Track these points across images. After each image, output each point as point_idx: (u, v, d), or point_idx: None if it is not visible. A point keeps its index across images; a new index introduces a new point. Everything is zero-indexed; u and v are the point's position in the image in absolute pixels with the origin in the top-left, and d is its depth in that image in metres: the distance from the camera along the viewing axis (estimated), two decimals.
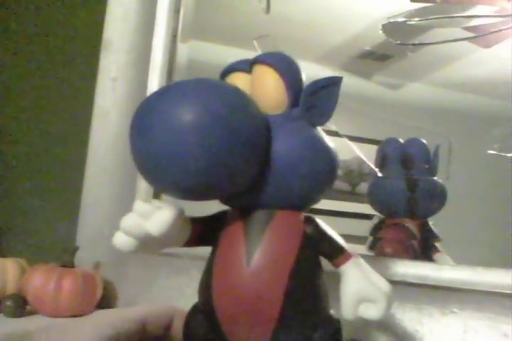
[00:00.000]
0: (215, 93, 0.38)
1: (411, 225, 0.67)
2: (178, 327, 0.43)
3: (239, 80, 0.44)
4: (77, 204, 0.88)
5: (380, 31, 0.67)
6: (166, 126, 0.36)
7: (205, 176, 0.37)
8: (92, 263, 0.84)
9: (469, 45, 0.64)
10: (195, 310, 0.45)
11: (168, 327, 0.42)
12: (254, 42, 0.71)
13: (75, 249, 0.80)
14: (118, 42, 0.88)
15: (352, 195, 0.72)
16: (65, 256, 0.78)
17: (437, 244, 0.66)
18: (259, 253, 0.41)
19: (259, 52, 0.70)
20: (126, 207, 0.80)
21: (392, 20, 0.67)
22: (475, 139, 0.65)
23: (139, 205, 0.41)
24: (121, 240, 0.41)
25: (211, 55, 0.84)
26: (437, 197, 0.66)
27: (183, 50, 0.85)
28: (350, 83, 0.74)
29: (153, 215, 0.40)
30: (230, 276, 0.42)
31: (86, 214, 0.86)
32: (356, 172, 0.71)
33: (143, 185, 0.81)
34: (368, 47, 0.70)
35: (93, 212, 0.86)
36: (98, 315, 0.42)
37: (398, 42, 0.67)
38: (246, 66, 0.45)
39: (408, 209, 0.67)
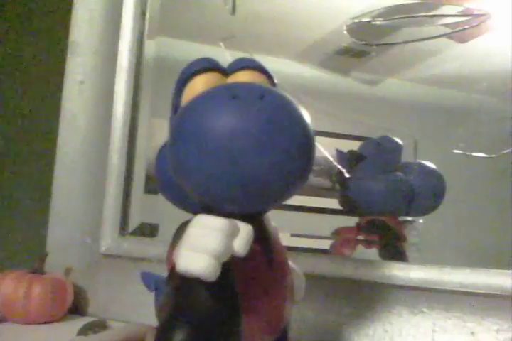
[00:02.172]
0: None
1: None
2: None
3: (210, 81, 0.40)
4: (46, 209, 0.87)
5: (345, 32, 0.67)
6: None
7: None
8: (63, 268, 0.83)
9: (446, 41, 0.65)
10: None
11: None
12: (221, 43, 0.71)
13: (45, 255, 0.79)
14: (84, 44, 0.86)
15: (333, 192, 0.72)
16: (34, 263, 0.77)
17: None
18: (276, 257, 0.40)
19: (225, 52, 0.71)
20: (95, 212, 0.81)
21: (356, 20, 0.67)
22: (441, 138, 0.65)
23: (222, 223, 0.33)
24: (209, 265, 0.32)
25: (179, 52, 0.84)
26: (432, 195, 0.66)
27: (151, 47, 0.84)
28: (329, 80, 0.76)
29: (240, 233, 0.34)
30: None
31: (56, 219, 0.85)
32: (337, 169, 0.71)
33: (112, 190, 0.81)
34: (344, 44, 0.70)
35: (63, 217, 0.85)
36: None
37: (363, 42, 0.67)
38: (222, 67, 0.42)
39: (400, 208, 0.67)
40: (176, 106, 0.41)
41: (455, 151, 0.61)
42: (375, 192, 0.67)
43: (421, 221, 0.66)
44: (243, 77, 0.41)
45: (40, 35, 1.09)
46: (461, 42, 0.65)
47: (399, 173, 0.67)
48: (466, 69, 0.66)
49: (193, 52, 0.80)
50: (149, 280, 0.49)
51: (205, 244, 0.32)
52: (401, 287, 0.60)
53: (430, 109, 0.68)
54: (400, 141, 0.67)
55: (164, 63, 0.84)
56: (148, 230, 0.81)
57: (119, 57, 0.83)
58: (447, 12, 0.65)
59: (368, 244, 0.68)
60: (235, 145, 0.32)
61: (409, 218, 0.67)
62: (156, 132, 0.82)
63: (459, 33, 0.64)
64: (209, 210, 0.36)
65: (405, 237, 0.67)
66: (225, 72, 0.42)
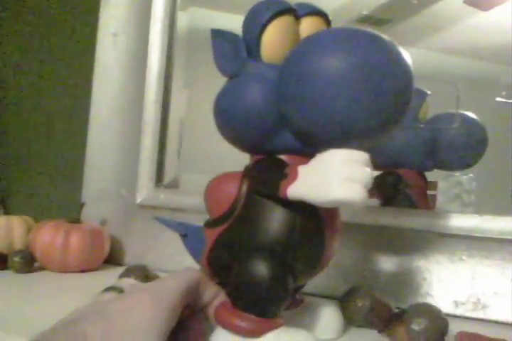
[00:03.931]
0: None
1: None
2: (204, 294, 0.42)
3: (290, 26, 0.43)
4: (81, 161, 0.87)
5: None
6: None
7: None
8: (99, 219, 0.84)
9: (468, 9, 0.63)
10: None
11: (196, 295, 0.42)
12: None
13: (82, 205, 0.80)
14: None
15: None
16: (71, 213, 0.78)
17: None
18: None
19: None
20: (131, 164, 0.82)
21: None
22: (482, 88, 0.65)
23: (366, 156, 0.37)
24: (363, 194, 0.35)
25: (211, 22, 0.83)
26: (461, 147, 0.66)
27: (183, 16, 0.84)
28: None
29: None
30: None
31: (91, 171, 0.86)
32: None
33: (148, 141, 0.81)
34: (365, 12, 0.69)
35: (98, 169, 0.86)
36: (147, 286, 0.40)
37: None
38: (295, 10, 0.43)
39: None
40: (251, 51, 0.42)
41: (498, 99, 0.61)
42: (392, 143, 0.67)
43: (471, 175, 0.66)
44: (313, 21, 0.43)
45: None
46: (485, 10, 0.63)
47: (422, 125, 0.67)
48: (490, 38, 0.64)
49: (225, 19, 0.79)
50: (172, 225, 0.51)
51: (358, 175, 0.35)
52: (440, 235, 0.61)
53: (453, 77, 0.67)
54: (425, 91, 0.66)
55: (196, 27, 0.84)
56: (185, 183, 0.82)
57: (153, 8, 0.82)
58: None
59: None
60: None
61: (456, 173, 0.66)
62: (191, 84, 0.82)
63: (481, 0, 0.62)
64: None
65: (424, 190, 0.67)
66: (297, 14, 0.43)
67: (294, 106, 0.38)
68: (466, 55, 0.67)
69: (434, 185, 0.68)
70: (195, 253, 0.47)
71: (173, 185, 0.83)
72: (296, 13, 0.43)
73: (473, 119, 0.65)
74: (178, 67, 0.83)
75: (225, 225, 0.44)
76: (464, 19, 0.65)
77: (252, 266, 0.40)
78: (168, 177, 0.82)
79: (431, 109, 0.66)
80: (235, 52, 0.43)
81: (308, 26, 0.44)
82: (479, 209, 0.64)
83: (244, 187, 0.44)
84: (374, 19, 0.69)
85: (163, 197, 0.78)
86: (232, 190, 0.44)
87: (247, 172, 0.44)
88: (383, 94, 0.35)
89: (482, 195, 0.66)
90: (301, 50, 0.38)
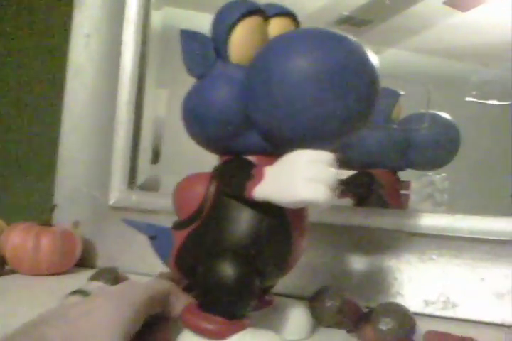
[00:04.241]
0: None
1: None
2: (174, 305, 0.42)
3: (258, 27, 0.43)
4: (53, 162, 0.87)
5: None
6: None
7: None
8: (71, 221, 0.83)
9: (447, 10, 0.64)
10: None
11: (164, 304, 0.42)
12: None
13: (53, 208, 0.80)
14: None
15: None
16: (43, 215, 0.77)
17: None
18: None
19: None
20: (103, 165, 0.81)
21: None
22: (453, 88, 0.65)
23: (330, 156, 0.36)
24: (328, 194, 0.35)
25: (185, 21, 0.84)
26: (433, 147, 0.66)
27: (157, 15, 0.84)
28: None
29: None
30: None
31: (63, 172, 0.85)
32: None
33: (120, 142, 0.80)
34: (345, 13, 0.70)
35: (70, 170, 0.85)
36: (112, 290, 0.40)
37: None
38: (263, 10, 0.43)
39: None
40: (219, 52, 0.42)
41: (468, 99, 0.61)
42: (366, 142, 0.67)
43: (444, 174, 0.66)
44: (281, 22, 0.44)
45: None
46: (463, 11, 0.64)
47: (395, 125, 0.67)
48: (469, 38, 0.65)
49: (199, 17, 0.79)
50: (141, 227, 0.51)
51: (323, 176, 0.35)
52: (411, 234, 0.61)
53: (432, 78, 0.67)
54: (398, 91, 0.66)
55: (170, 27, 0.84)
56: (158, 183, 0.81)
57: (126, 9, 0.81)
58: None
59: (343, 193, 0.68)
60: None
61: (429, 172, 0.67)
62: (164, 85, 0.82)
63: (461, 1, 0.63)
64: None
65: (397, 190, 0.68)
66: (265, 15, 0.43)
67: (260, 106, 0.38)
68: (446, 55, 0.67)
69: (407, 185, 0.69)
70: (163, 255, 0.47)
71: (153, 186, 0.82)
72: (265, 14, 0.43)
73: (445, 119, 0.65)
74: (153, 67, 0.83)
75: (193, 226, 0.44)
76: (443, 20, 0.66)
77: (218, 267, 0.40)
78: (141, 179, 0.82)
79: (408, 109, 0.67)
80: (204, 52, 0.43)
81: (276, 27, 0.44)
82: (452, 208, 0.64)
83: (212, 188, 0.43)
84: (354, 20, 0.70)
85: (136, 198, 0.78)
86: (200, 191, 0.44)
87: (215, 173, 0.44)
88: (348, 94, 0.36)
89: (455, 194, 0.66)
90: (267, 51, 0.38)
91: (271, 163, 0.40)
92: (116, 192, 0.80)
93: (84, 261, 0.81)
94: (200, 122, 0.42)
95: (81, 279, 0.63)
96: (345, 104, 0.36)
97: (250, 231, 0.41)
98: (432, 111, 0.65)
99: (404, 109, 0.67)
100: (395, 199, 0.68)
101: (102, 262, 0.81)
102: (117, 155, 0.80)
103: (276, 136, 0.39)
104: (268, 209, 0.40)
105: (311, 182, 0.35)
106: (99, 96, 0.84)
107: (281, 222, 0.42)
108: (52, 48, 1.02)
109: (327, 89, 0.35)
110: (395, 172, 0.69)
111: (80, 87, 0.85)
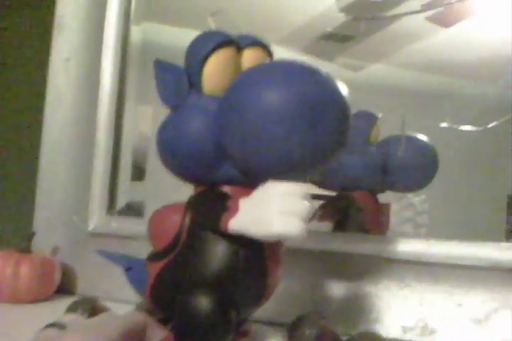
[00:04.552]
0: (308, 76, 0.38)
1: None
2: (150, 338, 0.42)
3: (231, 58, 0.43)
4: (33, 188, 0.86)
5: (333, 6, 0.67)
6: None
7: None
8: (50, 248, 0.83)
9: (430, 26, 0.65)
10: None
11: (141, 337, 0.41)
12: (209, 18, 0.71)
13: (32, 235, 0.79)
14: (70, 22, 0.86)
15: None
16: (21, 242, 0.77)
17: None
18: None
19: (214, 28, 0.70)
20: (82, 191, 0.81)
21: None
22: (428, 113, 0.66)
23: (303, 189, 0.36)
24: (303, 228, 0.35)
25: (165, 36, 0.84)
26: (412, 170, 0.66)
27: (137, 31, 0.84)
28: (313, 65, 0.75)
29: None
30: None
31: (42, 198, 0.85)
32: None
33: (99, 167, 0.80)
34: (329, 29, 0.70)
35: (50, 196, 0.85)
36: (86, 324, 0.40)
37: (351, 16, 0.67)
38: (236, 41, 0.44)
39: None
40: (193, 83, 0.43)
41: (442, 125, 0.62)
42: (345, 165, 0.67)
43: (423, 196, 0.66)
44: (254, 53, 0.44)
45: (26, 12, 1.07)
46: (446, 27, 0.65)
47: (373, 147, 0.67)
48: (452, 54, 0.66)
49: (178, 34, 0.80)
50: (115, 258, 0.50)
51: (297, 209, 0.35)
52: (388, 260, 0.61)
53: (415, 93, 0.68)
54: (376, 114, 0.67)
55: (150, 46, 0.84)
56: (135, 208, 0.81)
57: (105, 34, 0.82)
58: None
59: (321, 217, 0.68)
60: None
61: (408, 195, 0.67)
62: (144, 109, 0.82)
63: (443, 18, 0.64)
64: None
65: (377, 212, 0.68)
66: (238, 46, 0.43)
67: (233, 138, 0.38)
68: (429, 71, 0.68)
69: (387, 207, 0.69)
70: (138, 287, 0.47)
71: (136, 212, 0.82)
72: (238, 45, 0.44)
73: (422, 142, 0.65)
74: (134, 84, 0.83)
75: (168, 259, 0.43)
76: (427, 35, 0.67)
77: (193, 300, 0.40)
78: (120, 203, 0.81)
79: (390, 128, 0.67)
80: (177, 84, 0.43)
81: (249, 58, 0.44)
82: (433, 230, 0.65)
83: (188, 220, 0.43)
84: (338, 36, 0.70)
85: (115, 224, 0.78)
86: (175, 222, 0.44)
87: (190, 204, 0.44)
88: (320, 125, 0.36)
89: (436, 216, 0.67)
90: (240, 83, 0.39)
91: (246, 194, 0.40)
92: (96, 217, 0.79)
93: (64, 288, 0.80)
94: (175, 154, 0.42)
95: (60, 307, 0.62)
96: (317, 136, 0.36)
97: (226, 263, 0.41)
98: (409, 134, 0.65)
99: (383, 130, 0.68)
100: (374, 223, 0.68)
101: (82, 289, 0.80)
102: (96, 181, 0.80)
103: (249, 168, 0.40)
104: (244, 241, 0.40)
105: (285, 215, 0.35)
106: (78, 121, 0.84)
107: (257, 254, 0.42)
108: (31, 72, 1.02)
109: (299, 122, 0.35)
110: (374, 195, 0.69)
111: (59, 111, 0.85)
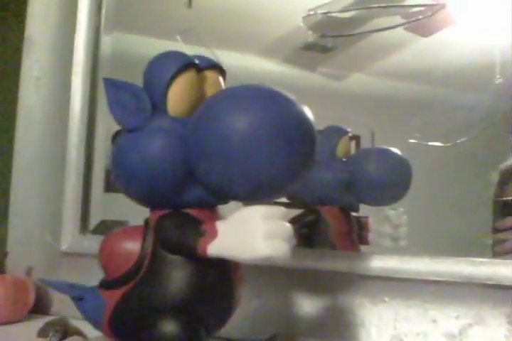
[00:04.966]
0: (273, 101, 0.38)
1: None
2: None
3: (194, 80, 0.43)
4: (5, 208, 0.86)
5: (301, 24, 0.67)
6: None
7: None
8: (24, 268, 0.82)
9: (410, 35, 0.65)
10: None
11: None
12: (178, 36, 0.71)
13: (5, 255, 0.79)
14: (40, 40, 0.86)
15: None
16: None
17: None
18: None
19: (183, 46, 0.70)
20: (55, 210, 0.80)
21: (312, 12, 0.67)
22: (397, 129, 0.66)
23: (284, 211, 0.37)
24: (288, 249, 0.36)
25: (135, 47, 0.83)
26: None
27: (107, 43, 0.83)
28: (295, 75, 0.75)
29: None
30: None
31: (15, 218, 0.85)
32: None
33: (71, 187, 0.80)
34: (310, 39, 0.70)
35: (22, 216, 0.84)
36: None
37: (320, 34, 0.67)
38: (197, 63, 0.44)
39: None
40: (155, 104, 0.42)
41: (411, 141, 0.62)
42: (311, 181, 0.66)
43: (401, 209, 0.66)
44: (212, 74, 0.45)
45: None
46: (424, 36, 0.65)
47: (340, 162, 0.67)
48: (429, 62, 0.66)
49: (150, 47, 0.79)
50: (62, 288, 0.49)
51: (280, 231, 0.36)
52: (362, 277, 0.60)
53: (389, 101, 0.68)
54: (344, 128, 0.66)
55: (121, 58, 0.83)
56: (111, 227, 0.80)
57: (75, 52, 0.81)
58: (402, 3, 0.65)
59: None
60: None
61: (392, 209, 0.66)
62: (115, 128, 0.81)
63: (422, 27, 0.64)
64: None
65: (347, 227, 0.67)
66: (199, 68, 0.43)
67: (209, 163, 0.38)
68: (411, 79, 0.68)
69: (365, 221, 0.68)
70: (93, 319, 0.46)
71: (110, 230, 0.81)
72: (198, 67, 0.43)
73: (393, 155, 0.65)
74: (102, 108, 0.82)
75: (129, 285, 0.43)
76: (406, 45, 0.67)
77: (164, 328, 0.39)
78: (93, 222, 0.80)
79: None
80: (137, 104, 0.42)
81: (208, 79, 0.44)
82: (413, 244, 0.64)
83: (149, 244, 0.43)
84: (319, 46, 0.70)
85: (88, 243, 0.77)
86: (134, 248, 0.43)
87: (155, 229, 0.42)
88: (298, 147, 0.37)
89: (416, 229, 0.66)
90: (217, 108, 0.39)
91: (211, 216, 0.41)
92: (69, 237, 0.78)
93: (39, 308, 0.79)
94: (138, 177, 0.41)
95: (34, 328, 0.62)
96: (295, 157, 0.38)
97: (195, 286, 0.41)
98: (381, 147, 0.65)
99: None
100: (342, 239, 0.67)
101: (56, 308, 0.80)
102: (68, 200, 0.80)
103: (223, 191, 0.40)
104: (211, 263, 0.40)
105: (270, 238, 0.35)
106: (50, 140, 0.84)
107: (225, 273, 0.42)
108: (2, 91, 1.01)
109: (279, 147, 0.37)
110: (345, 210, 0.68)
111: (30, 130, 0.85)
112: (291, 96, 0.39)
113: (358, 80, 0.71)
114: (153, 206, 0.44)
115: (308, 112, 0.39)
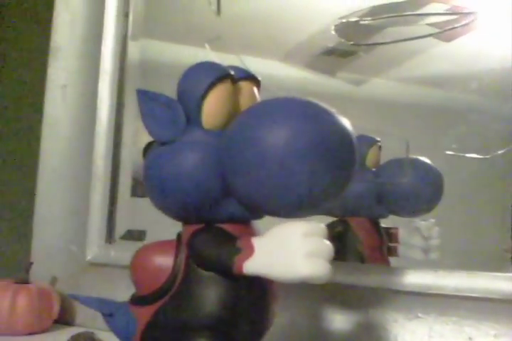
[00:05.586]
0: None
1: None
2: None
3: (230, 91, 0.42)
4: (30, 217, 0.85)
5: (332, 32, 0.66)
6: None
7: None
8: (49, 278, 0.81)
9: (431, 39, 0.64)
10: None
11: None
12: (206, 45, 0.70)
13: (29, 265, 0.78)
14: (66, 48, 0.85)
15: None
16: (19, 272, 0.76)
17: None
18: None
19: (211, 54, 0.69)
20: (80, 219, 0.79)
21: (344, 20, 0.66)
22: (433, 140, 0.64)
23: (323, 228, 0.36)
24: (327, 269, 0.34)
25: (163, 54, 0.83)
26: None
27: (135, 50, 0.83)
28: (315, 81, 0.74)
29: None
30: None
31: (40, 227, 0.84)
32: None
33: (97, 196, 0.79)
34: (331, 44, 0.69)
35: (47, 225, 0.83)
36: None
37: (351, 42, 0.66)
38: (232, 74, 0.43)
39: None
40: (189, 117, 0.41)
41: (448, 153, 0.60)
42: None
43: (432, 220, 0.64)
44: (248, 86, 0.43)
45: (22, 39, 1.07)
46: (447, 41, 0.64)
47: (370, 172, 0.65)
48: (453, 68, 0.64)
49: (178, 54, 0.79)
50: (92, 303, 0.48)
51: (321, 249, 0.34)
52: (395, 292, 0.59)
53: (418, 109, 0.67)
54: (374, 138, 0.65)
55: (148, 66, 0.83)
56: (135, 237, 0.79)
57: (102, 60, 0.81)
58: (434, 10, 0.64)
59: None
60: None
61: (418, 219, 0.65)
62: (143, 136, 0.81)
63: (445, 32, 0.63)
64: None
65: (378, 239, 0.66)
66: (234, 79, 0.42)
67: (247, 179, 0.37)
68: (430, 85, 0.67)
69: (395, 232, 0.67)
70: (123, 335, 0.44)
71: (136, 238, 0.80)
72: (234, 77, 0.42)
73: (424, 166, 0.63)
74: (129, 117, 0.82)
75: (161, 302, 0.41)
76: (428, 50, 0.66)
77: None
78: (119, 232, 0.80)
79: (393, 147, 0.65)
80: (172, 117, 0.41)
81: (244, 91, 0.43)
82: (444, 256, 0.63)
83: (182, 259, 0.41)
84: (339, 52, 0.70)
85: (115, 254, 0.76)
86: (167, 263, 0.42)
87: (188, 244, 0.41)
88: (338, 160, 0.37)
89: (447, 242, 0.65)
90: (255, 121, 0.37)
91: (245, 231, 0.40)
92: (95, 247, 0.78)
93: (63, 319, 0.79)
94: (171, 191, 0.40)
95: (59, 338, 0.61)
96: (337, 172, 0.37)
97: (229, 304, 0.40)
98: (412, 158, 0.63)
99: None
100: (372, 251, 0.66)
101: (80, 320, 0.79)
102: (94, 209, 0.79)
103: (261, 207, 0.39)
104: (247, 279, 0.39)
105: (311, 257, 0.34)
106: (76, 148, 0.83)
107: (260, 291, 0.41)
108: (28, 99, 1.01)
109: (322, 160, 0.36)
110: (375, 221, 0.67)
111: (55, 139, 0.84)
112: (330, 108, 0.38)
113: (379, 86, 0.70)
114: (186, 220, 0.43)
115: (348, 124, 0.38)
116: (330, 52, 0.70)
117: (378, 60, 0.69)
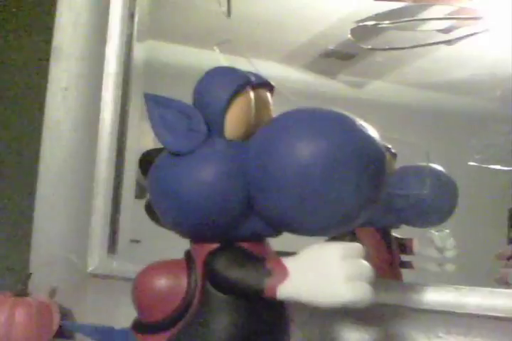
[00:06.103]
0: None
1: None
2: None
3: (250, 99, 0.39)
4: (29, 226, 0.83)
5: (349, 36, 0.64)
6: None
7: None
8: (48, 289, 0.79)
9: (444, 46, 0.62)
10: None
11: None
12: (215, 47, 0.68)
13: (28, 276, 0.76)
14: (69, 49, 0.83)
15: None
16: (17, 284, 0.74)
17: None
18: None
19: (220, 57, 0.67)
20: (81, 228, 0.77)
21: (361, 24, 0.64)
22: (453, 149, 0.62)
23: (361, 248, 0.35)
24: (369, 292, 0.33)
25: (170, 56, 0.81)
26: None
27: (140, 51, 0.80)
28: (315, 83, 0.73)
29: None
30: None
31: (39, 236, 0.82)
32: None
33: (100, 204, 0.76)
34: (331, 47, 0.69)
35: (46, 234, 0.81)
36: None
37: (369, 47, 0.65)
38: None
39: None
40: (210, 125, 0.38)
41: (470, 163, 0.58)
42: None
43: (447, 231, 0.62)
44: (263, 93, 0.41)
45: (23, 40, 1.04)
46: (449, 45, 0.62)
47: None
48: (454, 71, 0.63)
49: (185, 56, 0.77)
50: (87, 331, 0.45)
51: (361, 271, 0.33)
52: (415, 310, 0.56)
53: (417, 111, 0.66)
54: (385, 145, 0.62)
55: (155, 68, 0.81)
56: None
57: (106, 62, 0.79)
58: (439, 15, 0.63)
59: None
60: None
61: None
62: (146, 138, 0.79)
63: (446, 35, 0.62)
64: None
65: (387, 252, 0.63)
66: (254, 86, 0.39)
67: (280, 196, 0.35)
68: (430, 88, 0.66)
69: (409, 243, 0.64)
70: None
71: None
72: (254, 85, 0.39)
73: (438, 173, 0.61)
74: (133, 121, 0.79)
75: (176, 329, 0.38)
76: (428, 53, 0.64)
77: None
78: (122, 242, 0.77)
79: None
80: (189, 126, 0.38)
81: (260, 97, 0.40)
82: (460, 268, 0.61)
83: (197, 281, 0.38)
84: (339, 54, 0.69)
85: (117, 265, 0.73)
86: (177, 285, 0.39)
87: (206, 265, 0.38)
88: (376, 170, 0.35)
89: (464, 253, 0.62)
90: (288, 133, 0.35)
91: (261, 249, 0.38)
92: (96, 257, 0.75)
93: (63, 333, 0.76)
94: (188, 208, 0.37)
95: None
96: (372, 184, 0.35)
97: (250, 329, 0.37)
98: (421, 165, 0.61)
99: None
100: (382, 263, 0.63)
101: (80, 335, 0.76)
102: (96, 217, 0.76)
103: (289, 225, 0.37)
104: (266, 303, 0.37)
105: (353, 281, 0.32)
106: (77, 153, 0.81)
107: (280, 312, 0.39)
108: (28, 102, 0.99)
109: (363, 179, 0.34)
110: (383, 231, 0.64)
111: (56, 143, 0.82)
112: (359, 119, 0.36)
113: (378, 88, 0.69)
114: (200, 238, 0.39)
115: (376, 133, 0.37)
116: (330, 54, 0.69)
117: (378, 62, 0.68)
